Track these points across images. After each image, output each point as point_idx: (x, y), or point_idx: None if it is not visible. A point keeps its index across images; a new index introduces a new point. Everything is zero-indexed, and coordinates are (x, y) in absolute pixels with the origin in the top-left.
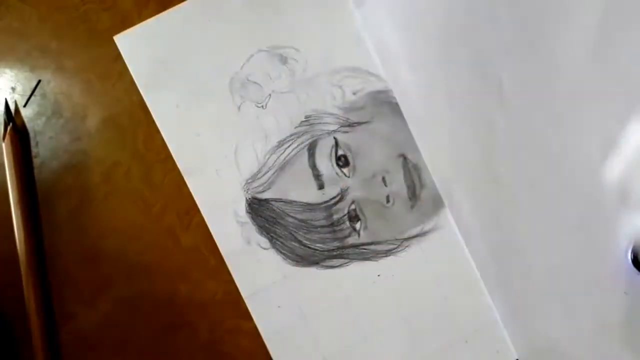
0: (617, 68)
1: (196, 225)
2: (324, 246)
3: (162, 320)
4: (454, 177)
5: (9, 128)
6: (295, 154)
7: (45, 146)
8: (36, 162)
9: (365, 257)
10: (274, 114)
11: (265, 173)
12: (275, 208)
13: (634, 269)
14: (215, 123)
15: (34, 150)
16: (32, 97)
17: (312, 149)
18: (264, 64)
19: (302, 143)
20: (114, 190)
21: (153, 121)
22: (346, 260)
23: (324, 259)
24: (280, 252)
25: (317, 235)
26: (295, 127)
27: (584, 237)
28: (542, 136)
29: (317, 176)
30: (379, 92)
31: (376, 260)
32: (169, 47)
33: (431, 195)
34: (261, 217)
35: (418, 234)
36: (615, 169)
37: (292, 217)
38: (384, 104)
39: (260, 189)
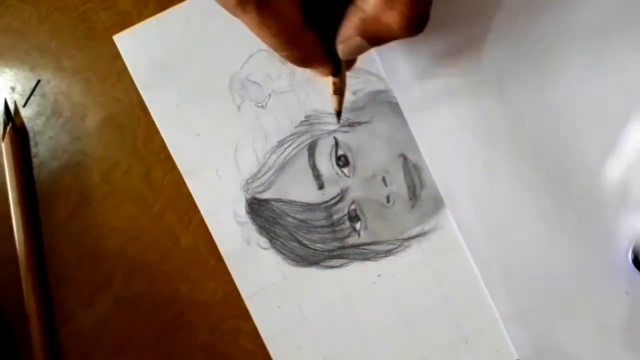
0: (617, 68)
1: (196, 225)
2: (324, 246)
3: (162, 320)
4: (454, 177)
5: (8, 128)
6: (295, 154)
7: (45, 146)
8: (36, 162)
9: (365, 257)
10: (274, 114)
11: (265, 173)
12: (275, 208)
13: (634, 269)
14: (215, 123)
15: (33, 150)
16: (32, 97)
17: (312, 149)
18: (264, 64)
19: (302, 143)
20: (114, 190)
21: (153, 121)
22: (346, 260)
23: (324, 259)
24: (280, 252)
25: (317, 235)
26: (295, 127)
27: (584, 237)
28: (543, 136)
29: (317, 176)
30: (379, 92)
31: (376, 260)
32: (169, 47)
33: (431, 195)
34: (261, 217)
35: (418, 234)
36: (615, 169)
37: (292, 217)
38: (384, 104)
39: (260, 189)
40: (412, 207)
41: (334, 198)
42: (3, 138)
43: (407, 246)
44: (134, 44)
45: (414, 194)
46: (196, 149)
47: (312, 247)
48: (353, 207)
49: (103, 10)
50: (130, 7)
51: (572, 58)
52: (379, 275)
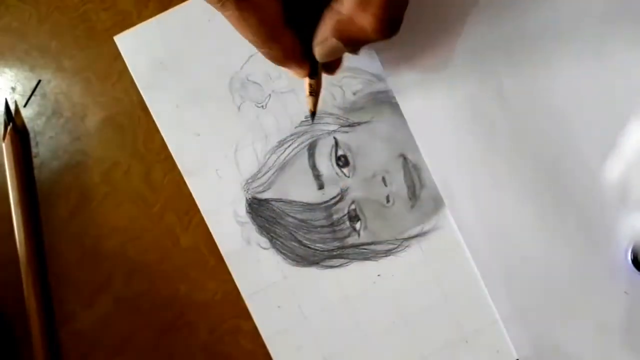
0: (617, 68)
1: (196, 225)
2: (324, 246)
3: (162, 320)
4: (454, 177)
5: (9, 128)
6: (295, 154)
7: (45, 146)
8: (36, 162)
9: (365, 257)
10: (274, 114)
11: (265, 173)
12: (275, 208)
13: (634, 269)
14: (215, 123)
15: (34, 150)
16: (32, 97)
17: (312, 149)
18: (264, 64)
19: (302, 143)
20: (114, 190)
21: (153, 121)
22: (346, 260)
23: (324, 259)
24: (280, 252)
25: (317, 235)
26: (295, 127)
27: (584, 237)
28: (542, 136)
29: (317, 176)
30: (379, 92)
31: (376, 260)
32: (169, 47)
33: (431, 195)
34: (261, 217)
35: (418, 234)
36: (615, 169)
37: (292, 217)
38: (384, 104)
39: (260, 189)
40: (412, 207)
41: (334, 198)
42: (4, 138)
43: (407, 246)
44: (135, 44)
45: (413, 194)
46: (196, 149)
47: (312, 247)
48: (353, 207)
49: (103, 11)
50: (130, 7)
51: (572, 58)
52: (379, 275)
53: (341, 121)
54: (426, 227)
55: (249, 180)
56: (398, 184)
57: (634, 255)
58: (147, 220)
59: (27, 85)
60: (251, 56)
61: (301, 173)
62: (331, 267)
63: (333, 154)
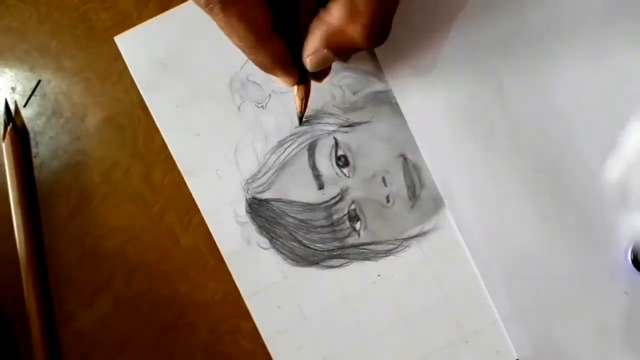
0: (617, 68)
1: (196, 225)
2: (324, 246)
3: (162, 320)
4: (454, 177)
5: (9, 128)
6: (295, 154)
7: (45, 146)
8: (36, 162)
9: (365, 257)
10: (274, 114)
11: (265, 173)
12: (275, 208)
13: (634, 269)
14: (215, 123)
15: (34, 150)
16: (32, 97)
17: (312, 149)
18: None
19: (302, 143)
20: (114, 190)
21: (153, 121)
22: (346, 260)
23: (324, 259)
24: (280, 252)
25: (317, 235)
26: (295, 127)
27: (584, 237)
28: (542, 136)
29: (317, 176)
30: (379, 92)
31: (376, 260)
32: (170, 47)
33: (431, 195)
34: (261, 217)
35: (418, 234)
36: (615, 169)
37: (292, 217)
38: (384, 104)
39: (260, 189)
40: (412, 207)
41: (334, 198)
42: (4, 138)
43: (407, 246)
44: (135, 45)
45: (413, 194)
46: (196, 149)
47: (312, 247)
48: (353, 207)
49: (103, 11)
50: (130, 7)
51: (573, 58)
52: (379, 275)
53: (341, 121)
54: (426, 227)
55: (249, 180)
56: (398, 184)
57: (634, 255)
58: (147, 220)
59: (27, 85)
60: None
61: (301, 173)
62: (331, 267)
63: (333, 154)
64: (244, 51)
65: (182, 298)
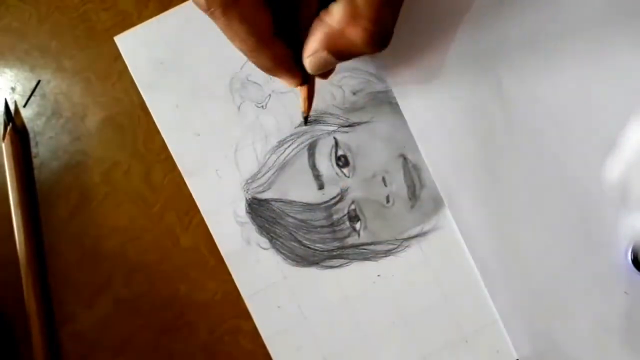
0: (617, 68)
1: (196, 225)
2: (324, 246)
3: (162, 321)
4: (454, 177)
5: (9, 128)
6: (295, 154)
7: (45, 146)
8: (36, 162)
9: (365, 257)
10: (274, 114)
11: (265, 173)
12: (275, 208)
13: (634, 269)
14: (215, 123)
15: (33, 150)
16: (32, 97)
17: (312, 149)
18: None
19: (302, 143)
20: (114, 190)
21: (153, 121)
22: (346, 260)
23: (324, 259)
24: (280, 252)
25: (317, 235)
26: (295, 127)
27: (584, 237)
28: (542, 136)
29: (317, 176)
30: (379, 92)
31: (376, 260)
32: (170, 47)
33: (431, 195)
34: (261, 217)
35: (418, 234)
36: (615, 169)
37: (292, 217)
38: (384, 104)
39: (260, 189)
40: (412, 207)
41: (333, 198)
42: (3, 138)
43: (407, 246)
44: (135, 45)
45: (413, 194)
46: (196, 149)
47: (312, 247)
48: (353, 207)
49: (103, 11)
50: (130, 7)
51: (573, 58)
52: (378, 275)
53: (341, 121)
54: (426, 227)
55: (249, 181)
56: (398, 184)
57: (634, 255)
58: (147, 221)
59: (27, 85)
60: None
61: (301, 173)
62: (331, 267)
63: (333, 154)
64: (245, 54)
65: (182, 298)
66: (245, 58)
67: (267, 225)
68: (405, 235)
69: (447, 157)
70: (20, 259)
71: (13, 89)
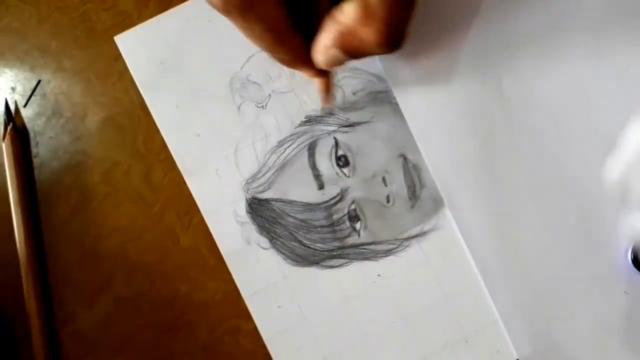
0: (617, 68)
1: (196, 225)
2: (324, 246)
3: (162, 320)
4: (454, 177)
5: (9, 128)
6: (295, 154)
7: (45, 146)
8: (36, 162)
9: (365, 257)
10: (274, 114)
11: (265, 173)
12: (275, 208)
13: (634, 269)
14: (215, 123)
15: (34, 150)
16: (32, 97)
17: (312, 149)
18: (264, 64)
19: (302, 143)
20: (114, 190)
21: (153, 121)
22: (346, 260)
23: (324, 259)
24: (280, 252)
25: (317, 235)
26: (295, 127)
27: (584, 237)
28: (542, 136)
29: (317, 176)
30: (379, 92)
31: (376, 260)
32: (170, 47)
33: (431, 195)
34: (261, 217)
35: (418, 234)
36: (615, 169)
37: (292, 217)
38: (384, 104)
39: (260, 189)
40: (412, 207)
41: (334, 198)
42: (4, 138)
43: (407, 246)
44: (135, 45)
45: (413, 194)
46: (196, 149)
47: (312, 247)
48: (353, 207)
49: (103, 11)
50: (130, 7)
51: (572, 58)
52: (379, 275)
53: (341, 121)
54: (426, 227)
55: (249, 180)
56: (398, 184)
57: (634, 255)
58: (147, 220)
59: (27, 85)
60: (251, 56)
61: (301, 173)
62: (331, 267)
63: (333, 154)
64: (264, 50)
65: (182, 298)
66: (245, 58)
67: (267, 225)
68: (406, 235)
69: (447, 157)
70: (20, 258)
71: (13, 89)
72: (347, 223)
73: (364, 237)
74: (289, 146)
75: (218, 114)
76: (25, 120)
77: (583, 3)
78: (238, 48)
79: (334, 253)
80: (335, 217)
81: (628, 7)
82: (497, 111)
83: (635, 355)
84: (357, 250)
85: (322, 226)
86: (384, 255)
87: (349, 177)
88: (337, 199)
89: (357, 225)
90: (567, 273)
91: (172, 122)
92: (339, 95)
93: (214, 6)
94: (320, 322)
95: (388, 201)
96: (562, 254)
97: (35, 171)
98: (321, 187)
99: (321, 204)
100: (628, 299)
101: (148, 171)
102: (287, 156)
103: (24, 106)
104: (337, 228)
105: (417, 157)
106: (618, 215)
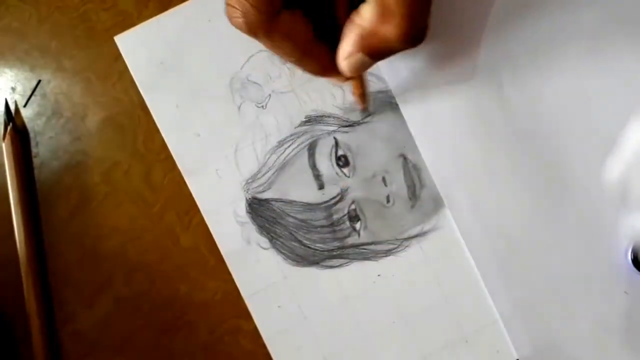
0: (617, 68)
1: (196, 225)
2: (324, 246)
3: (162, 320)
4: (454, 177)
5: (9, 128)
6: (295, 154)
7: (45, 146)
8: (36, 162)
9: (365, 257)
10: (274, 114)
11: (265, 173)
12: (275, 208)
13: (634, 269)
14: (215, 123)
15: (34, 150)
16: (32, 97)
17: (312, 149)
18: (264, 64)
19: (302, 143)
20: (114, 190)
21: (153, 121)
22: (346, 260)
23: (324, 259)
24: (280, 252)
25: (317, 235)
26: (295, 127)
27: (584, 237)
28: (542, 136)
29: (317, 176)
30: (379, 92)
31: (376, 260)
32: (170, 47)
33: (431, 195)
34: (261, 217)
35: (418, 234)
36: (615, 169)
37: (292, 217)
38: (384, 104)
39: (260, 189)
40: (412, 207)
41: (334, 198)
42: (4, 138)
43: (407, 246)
44: (135, 45)
45: (413, 194)
46: (196, 149)
47: (312, 247)
48: (353, 207)
49: (103, 11)
50: (130, 7)
51: (572, 58)
52: (379, 275)
53: (341, 121)
54: (426, 227)
55: (249, 180)
56: (398, 184)
57: (634, 255)
58: (147, 220)
59: (27, 85)
60: (251, 56)
61: (301, 173)
62: (331, 267)
63: (333, 154)
64: (294, 64)
65: (182, 298)
66: (245, 58)
67: (267, 225)
68: (406, 235)
69: (446, 157)
70: (20, 258)
71: (13, 89)
72: (347, 223)
73: (364, 237)
74: (289, 146)
75: (218, 114)
76: (25, 120)
77: (583, 5)
78: (238, 48)
79: (334, 253)
80: (335, 217)
81: (628, 8)
82: (497, 111)
83: (635, 355)
84: (357, 250)
85: (322, 226)
86: (384, 255)
87: (349, 177)
88: (337, 199)
89: (357, 225)
90: (567, 273)
91: (172, 122)
92: (338, 95)
93: (239, 29)
94: (320, 322)
95: (388, 201)
96: (562, 254)
97: (35, 171)
98: (321, 187)
99: (321, 204)
100: (628, 299)
101: (148, 171)
102: (287, 156)
103: (24, 106)
104: (337, 228)
105: (417, 157)
106: (618, 215)
